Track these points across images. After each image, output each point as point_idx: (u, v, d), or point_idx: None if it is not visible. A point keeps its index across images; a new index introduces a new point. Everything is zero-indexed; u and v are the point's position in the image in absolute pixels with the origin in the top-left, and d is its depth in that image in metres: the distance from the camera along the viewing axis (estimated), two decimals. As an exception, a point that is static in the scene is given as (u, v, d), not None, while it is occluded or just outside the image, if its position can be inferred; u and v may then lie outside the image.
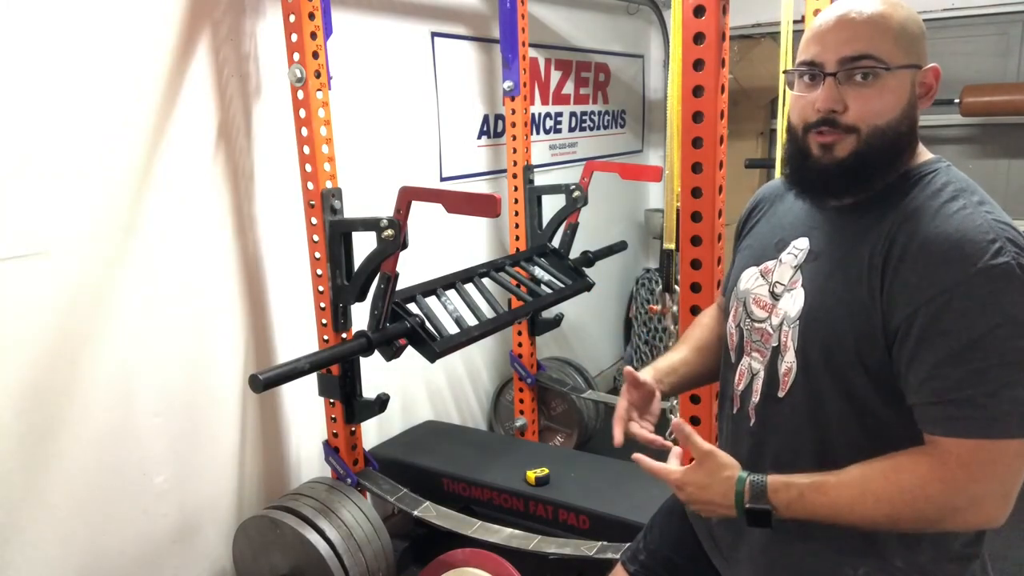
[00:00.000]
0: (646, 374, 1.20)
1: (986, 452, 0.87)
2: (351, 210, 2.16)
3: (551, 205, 2.87)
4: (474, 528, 2.09)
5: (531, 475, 2.30)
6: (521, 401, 3.15)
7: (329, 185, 2.09)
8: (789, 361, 1.03)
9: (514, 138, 2.89)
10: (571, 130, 3.65)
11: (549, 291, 2.60)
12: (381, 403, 2.20)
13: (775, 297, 1.07)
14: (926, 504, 0.90)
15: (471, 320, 2.23)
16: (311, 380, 2.21)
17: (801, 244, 1.06)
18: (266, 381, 1.79)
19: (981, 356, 0.86)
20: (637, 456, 1.08)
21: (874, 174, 0.99)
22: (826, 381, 0.99)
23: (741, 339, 1.13)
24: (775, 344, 1.05)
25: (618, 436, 1.12)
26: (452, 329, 2.15)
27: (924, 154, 1.02)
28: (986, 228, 0.89)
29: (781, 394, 1.04)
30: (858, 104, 0.97)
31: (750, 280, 1.13)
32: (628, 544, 1.42)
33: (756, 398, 1.09)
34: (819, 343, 0.99)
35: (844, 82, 0.97)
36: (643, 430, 1.13)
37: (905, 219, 0.94)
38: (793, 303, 1.03)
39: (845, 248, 1.00)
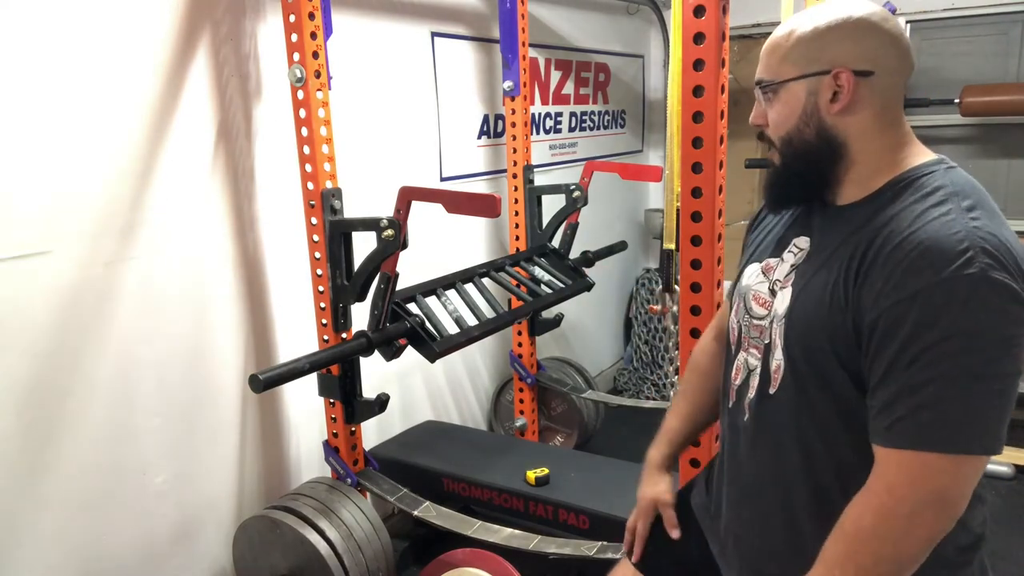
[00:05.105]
0: (660, 458, 1.35)
1: (914, 464, 0.88)
2: (351, 210, 2.16)
3: (551, 205, 2.87)
4: (474, 528, 2.09)
5: (531, 475, 2.30)
6: (521, 401, 3.15)
7: (329, 185, 2.09)
8: (778, 358, 1.05)
9: (514, 138, 2.89)
10: (571, 130, 3.65)
11: (549, 291, 2.60)
12: (381, 403, 2.20)
13: (773, 294, 1.09)
14: (876, 542, 0.90)
15: (471, 320, 2.23)
16: (311, 380, 2.21)
17: (801, 243, 1.08)
18: (266, 381, 1.79)
19: (926, 367, 0.86)
20: None
21: (800, 181, 1.06)
22: (810, 378, 1.01)
23: (740, 334, 1.15)
24: (767, 341, 1.07)
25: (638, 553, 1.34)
26: (452, 329, 2.15)
27: (922, 155, 1.01)
28: (962, 236, 0.87)
29: (772, 390, 1.06)
30: (769, 119, 1.07)
31: (752, 276, 1.14)
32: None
33: (752, 394, 1.10)
34: (800, 341, 1.01)
35: (763, 101, 1.07)
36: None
37: (886, 223, 0.94)
38: (782, 301, 1.05)
39: (831, 249, 1.01)
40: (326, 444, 2.31)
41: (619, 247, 3.13)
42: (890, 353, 0.89)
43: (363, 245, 2.07)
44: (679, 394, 1.39)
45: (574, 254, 2.86)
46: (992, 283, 0.85)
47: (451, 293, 2.31)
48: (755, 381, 1.10)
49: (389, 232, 1.91)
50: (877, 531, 0.90)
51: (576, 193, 2.72)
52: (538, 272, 2.68)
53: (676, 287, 1.70)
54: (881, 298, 0.90)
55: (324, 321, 2.18)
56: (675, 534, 1.30)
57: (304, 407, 2.40)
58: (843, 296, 0.95)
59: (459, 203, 1.89)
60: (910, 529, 0.89)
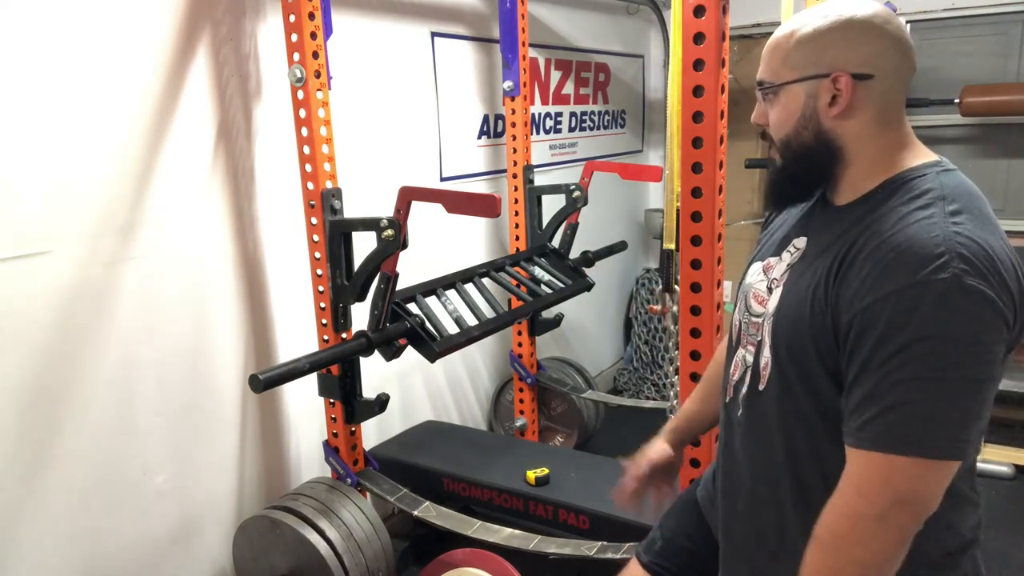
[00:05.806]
0: (665, 431, 1.40)
1: (883, 466, 0.88)
2: (351, 210, 2.16)
3: (551, 205, 2.87)
4: (474, 528, 2.09)
5: (531, 475, 2.30)
6: (521, 401, 3.15)
7: (329, 185, 2.09)
8: (766, 355, 1.06)
9: (514, 138, 2.89)
10: (571, 130, 3.65)
11: (549, 291, 2.60)
12: (381, 403, 2.20)
13: (770, 292, 1.10)
14: (848, 546, 0.90)
15: (471, 320, 2.23)
16: (311, 380, 2.21)
17: (799, 243, 1.08)
18: (266, 381, 1.79)
19: (895, 369, 0.86)
20: None
21: (797, 183, 1.07)
22: (793, 376, 1.01)
23: (740, 331, 1.16)
24: (760, 338, 1.08)
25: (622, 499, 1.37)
26: (452, 329, 2.15)
27: (919, 157, 1.01)
28: (940, 240, 0.87)
29: (761, 387, 1.07)
30: (769, 119, 1.07)
31: (754, 275, 1.15)
32: (630, 544, 1.42)
33: (745, 389, 1.12)
34: (785, 339, 1.02)
35: (764, 101, 1.08)
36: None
37: (870, 225, 0.95)
38: (774, 299, 1.06)
39: (820, 249, 1.01)
40: (326, 444, 2.31)
41: (619, 247, 3.13)
42: (863, 354, 0.89)
43: (363, 245, 2.07)
44: (700, 380, 1.43)
45: (574, 254, 2.86)
46: (965, 289, 0.85)
47: (451, 293, 2.31)
48: (749, 377, 1.11)
49: (389, 232, 1.91)
50: (849, 536, 0.90)
51: (576, 193, 2.72)
52: (538, 272, 2.68)
53: (676, 287, 1.69)
54: (856, 299, 0.90)
55: (324, 321, 2.18)
56: (630, 485, 1.36)
57: (304, 407, 2.40)
58: (823, 295, 0.96)
59: (459, 203, 1.89)
60: (881, 531, 0.89)
